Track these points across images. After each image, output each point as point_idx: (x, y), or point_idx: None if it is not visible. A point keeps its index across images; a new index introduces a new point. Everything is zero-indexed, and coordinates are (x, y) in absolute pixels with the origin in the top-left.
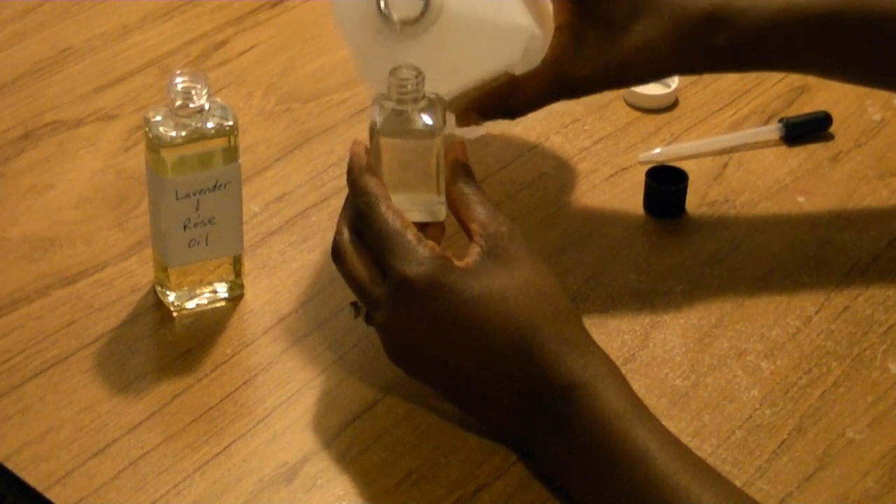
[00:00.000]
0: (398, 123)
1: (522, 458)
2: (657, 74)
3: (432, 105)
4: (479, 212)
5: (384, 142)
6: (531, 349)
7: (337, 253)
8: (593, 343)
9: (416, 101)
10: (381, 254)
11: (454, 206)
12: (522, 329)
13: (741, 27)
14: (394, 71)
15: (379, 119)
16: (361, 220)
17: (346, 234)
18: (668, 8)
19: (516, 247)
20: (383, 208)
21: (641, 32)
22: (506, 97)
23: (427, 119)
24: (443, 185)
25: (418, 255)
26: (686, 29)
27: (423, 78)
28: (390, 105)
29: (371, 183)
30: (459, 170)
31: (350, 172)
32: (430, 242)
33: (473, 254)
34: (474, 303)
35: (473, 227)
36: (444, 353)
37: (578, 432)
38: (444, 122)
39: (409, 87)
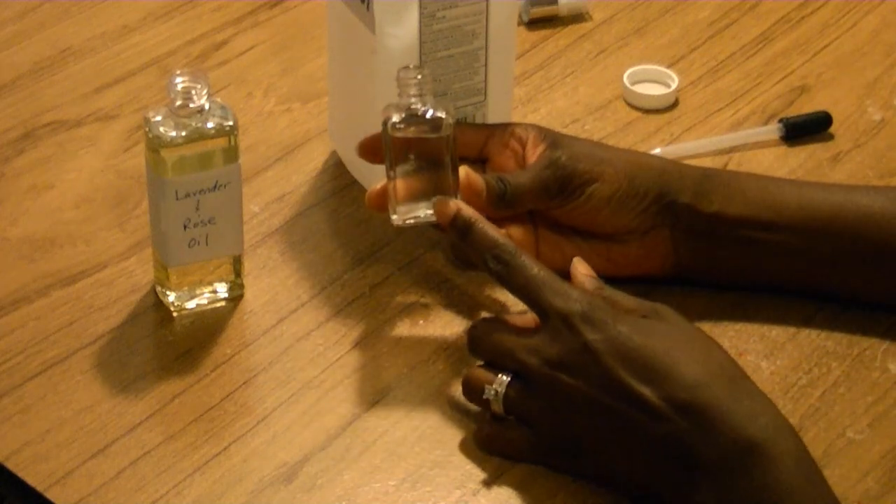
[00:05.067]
0: (410, 119)
1: None
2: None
3: (440, 100)
4: (628, 304)
5: (397, 139)
6: (694, 387)
7: (476, 335)
8: (769, 402)
9: (423, 95)
10: (538, 296)
11: None
12: (686, 369)
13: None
14: (403, 69)
15: (391, 116)
16: (503, 269)
17: (478, 321)
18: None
19: (675, 314)
20: (524, 257)
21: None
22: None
23: (437, 113)
24: (457, 181)
25: (574, 294)
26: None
27: (430, 75)
28: (401, 103)
29: (499, 234)
30: (583, 278)
31: (466, 228)
32: (581, 288)
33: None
34: (632, 335)
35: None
36: (597, 389)
37: (745, 493)
38: (454, 117)
39: (418, 82)
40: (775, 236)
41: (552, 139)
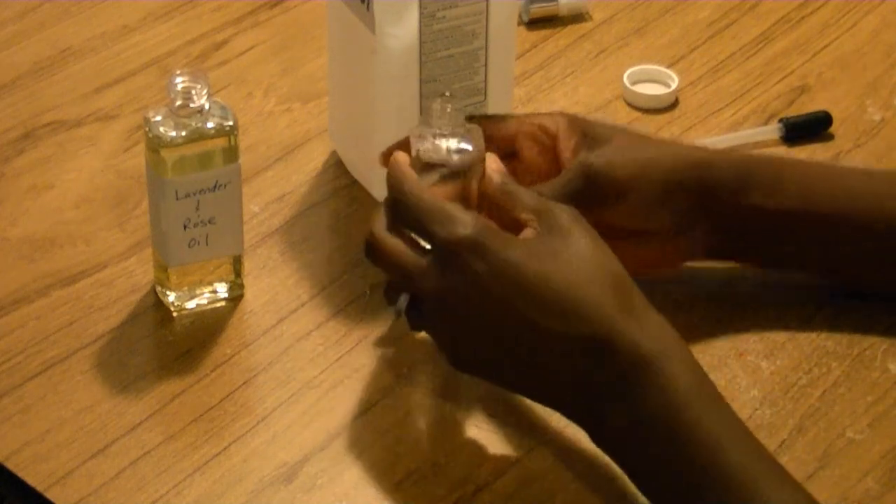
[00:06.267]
0: (438, 151)
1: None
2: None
3: (471, 132)
4: (526, 200)
5: (425, 170)
6: (590, 317)
7: (372, 245)
8: (658, 314)
9: (454, 127)
10: (422, 226)
11: (499, 207)
12: (580, 294)
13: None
14: (433, 101)
15: (419, 148)
16: (397, 205)
17: (378, 227)
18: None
19: (570, 221)
20: (416, 189)
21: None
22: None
23: (466, 145)
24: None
25: (462, 219)
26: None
27: (461, 106)
28: (429, 133)
29: (403, 171)
30: (492, 173)
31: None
32: (472, 212)
33: (527, 232)
34: (522, 264)
35: (524, 216)
36: (493, 320)
37: (646, 408)
38: (484, 149)
39: (448, 115)
40: (809, 229)
41: (583, 131)
